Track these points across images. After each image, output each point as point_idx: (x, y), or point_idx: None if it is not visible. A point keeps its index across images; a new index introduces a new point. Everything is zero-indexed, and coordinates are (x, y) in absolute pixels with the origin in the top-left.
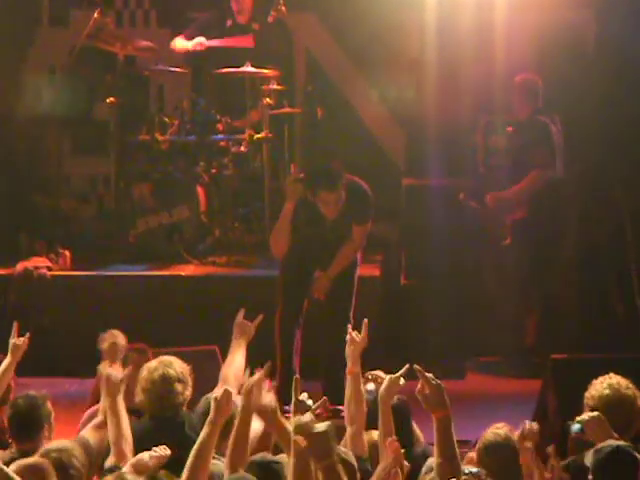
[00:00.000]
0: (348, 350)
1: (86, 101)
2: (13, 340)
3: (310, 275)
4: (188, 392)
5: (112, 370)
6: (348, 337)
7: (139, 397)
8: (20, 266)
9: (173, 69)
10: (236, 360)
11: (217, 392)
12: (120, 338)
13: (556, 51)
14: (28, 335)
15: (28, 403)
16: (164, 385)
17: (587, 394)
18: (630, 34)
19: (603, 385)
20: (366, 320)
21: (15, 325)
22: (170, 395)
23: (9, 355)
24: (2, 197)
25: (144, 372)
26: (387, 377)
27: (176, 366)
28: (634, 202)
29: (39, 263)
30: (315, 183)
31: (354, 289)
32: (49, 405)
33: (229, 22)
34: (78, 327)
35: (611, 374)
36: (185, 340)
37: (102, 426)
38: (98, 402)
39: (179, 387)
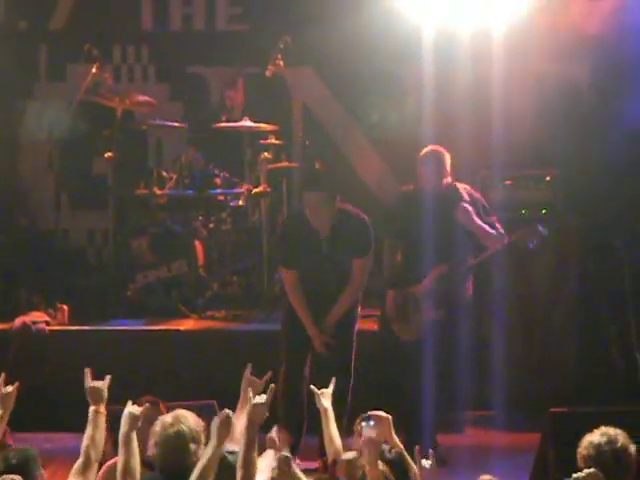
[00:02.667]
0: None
1: (84, 156)
2: (2, 390)
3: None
4: (201, 450)
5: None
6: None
7: (151, 450)
8: (18, 321)
9: (171, 124)
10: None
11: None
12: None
13: (554, 104)
14: (17, 384)
15: (19, 458)
16: (178, 442)
17: (581, 449)
18: (621, 85)
19: (598, 439)
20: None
21: (2, 376)
22: (184, 453)
23: None
24: (1, 251)
25: (158, 426)
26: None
27: (191, 423)
28: (633, 254)
29: (37, 318)
30: (302, 186)
31: (354, 342)
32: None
33: (224, 118)
34: (77, 381)
35: (606, 427)
36: (184, 394)
37: (85, 470)
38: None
39: (193, 446)
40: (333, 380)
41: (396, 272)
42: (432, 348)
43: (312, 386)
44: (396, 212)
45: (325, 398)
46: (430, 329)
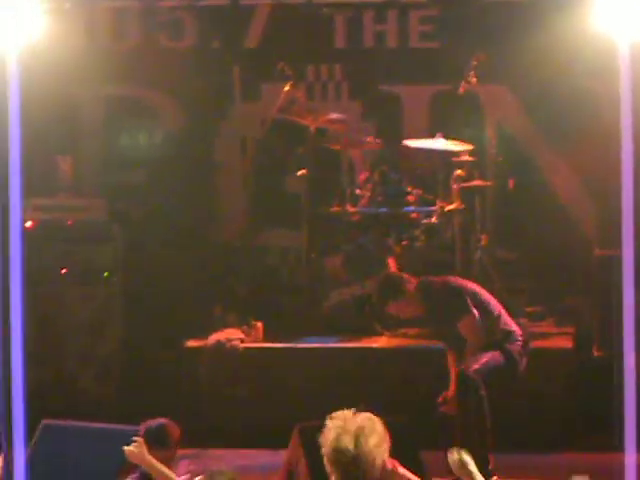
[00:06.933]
0: None
1: (278, 174)
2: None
3: None
4: None
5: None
6: None
7: None
8: (212, 338)
9: (364, 141)
10: None
11: None
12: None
13: None
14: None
15: None
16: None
17: None
18: None
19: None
20: None
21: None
22: None
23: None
24: (196, 269)
25: None
26: None
27: None
28: None
29: (231, 335)
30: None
31: None
32: None
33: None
34: (270, 399)
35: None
36: (375, 411)
37: None
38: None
39: None
40: None
41: None
42: None
43: None
44: None
45: None
46: None
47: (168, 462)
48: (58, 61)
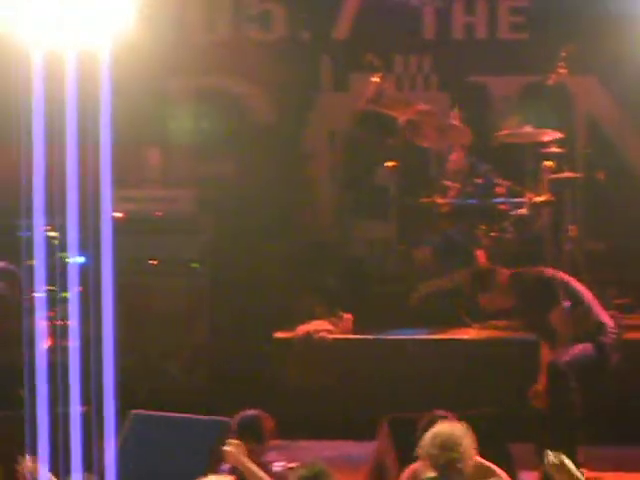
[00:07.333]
0: None
1: (366, 165)
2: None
3: None
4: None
5: None
6: None
7: None
8: (301, 329)
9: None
10: None
11: None
12: None
13: None
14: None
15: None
16: None
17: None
18: None
19: None
20: None
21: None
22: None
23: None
24: (284, 261)
25: None
26: None
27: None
28: None
29: (320, 326)
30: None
31: None
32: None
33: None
34: (358, 390)
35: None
36: (467, 403)
37: None
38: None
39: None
40: None
41: None
42: None
43: None
44: None
45: None
46: None
47: (260, 455)
48: (149, 53)
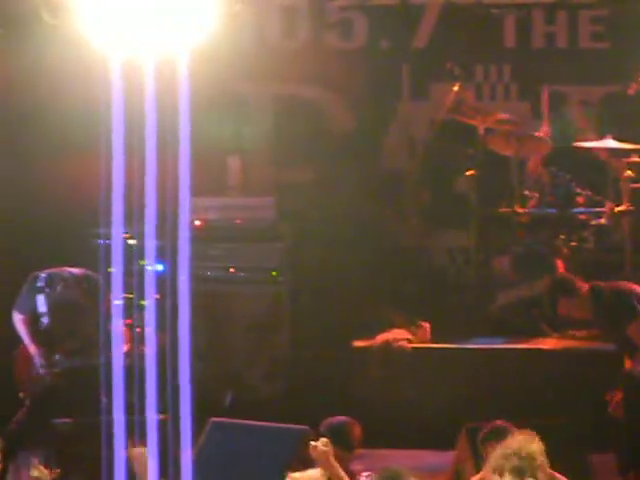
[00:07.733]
0: None
1: (446, 174)
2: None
3: None
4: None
5: None
6: None
7: None
8: (380, 338)
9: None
10: None
11: None
12: None
13: None
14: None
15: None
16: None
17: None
18: None
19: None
20: None
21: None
22: None
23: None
24: (365, 271)
25: None
26: None
27: None
28: None
29: (399, 335)
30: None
31: None
32: None
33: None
34: (437, 399)
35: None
36: (540, 413)
37: None
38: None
39: None
40: None
41: None
42: None
43: None
44: None
45: None
46: None
47: (348, 463)
48: (228, 60)
